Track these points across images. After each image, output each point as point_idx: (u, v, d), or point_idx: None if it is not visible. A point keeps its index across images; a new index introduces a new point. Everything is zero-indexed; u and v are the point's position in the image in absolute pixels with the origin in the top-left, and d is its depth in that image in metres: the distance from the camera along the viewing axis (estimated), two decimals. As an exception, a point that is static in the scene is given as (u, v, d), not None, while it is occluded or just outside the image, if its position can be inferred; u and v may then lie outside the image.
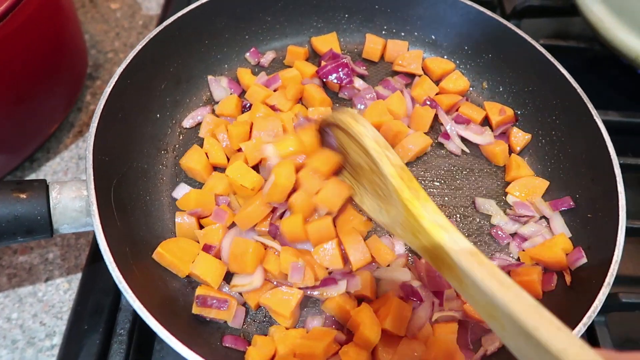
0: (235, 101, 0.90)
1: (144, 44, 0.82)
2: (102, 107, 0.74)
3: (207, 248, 0.75)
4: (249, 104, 0.92)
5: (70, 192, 0.67)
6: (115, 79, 0.77)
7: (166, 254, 0.72)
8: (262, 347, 0.67)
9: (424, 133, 0.89)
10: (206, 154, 0.84)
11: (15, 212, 0.64)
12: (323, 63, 0.96)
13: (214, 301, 0.69)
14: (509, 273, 0.76)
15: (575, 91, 0.84)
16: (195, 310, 0.70)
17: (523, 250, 0.79)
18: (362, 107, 0.93)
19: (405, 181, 0.60)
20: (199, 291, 0.71)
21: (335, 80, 0.93)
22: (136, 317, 0.75)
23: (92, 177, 0.67)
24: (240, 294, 0.73)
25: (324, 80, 0.94)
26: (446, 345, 0.66)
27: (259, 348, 0.67)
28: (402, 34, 1.02)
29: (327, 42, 0.99)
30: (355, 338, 0.67)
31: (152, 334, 0.78)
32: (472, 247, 0.51)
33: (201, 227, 0.78)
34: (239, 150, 0.82)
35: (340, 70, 0.93)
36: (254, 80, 0.95)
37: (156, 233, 0.77)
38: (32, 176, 0.95)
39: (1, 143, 0.86)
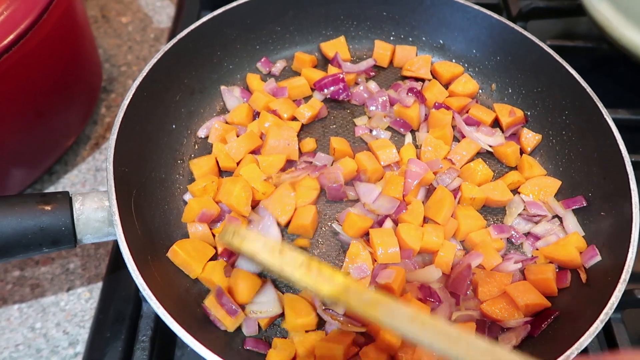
0: (246, 110, 0.92)
1: (158, 57, 0.84)
2: (120, 120, 0.76)
3: (225, 254, 0.76)
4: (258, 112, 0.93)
5: (93, 203, 0.69)
6: (132, 92, 0.79)
7: (181, 251, 0.73)
8: (282, 350, 0.68)
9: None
10: (216, 159, 0.86)
11: (41, 223, 0.66)
12: (331, 67, 0.98)
13: (228, 304, 0.70)
14: (524, 270, 0.77)
15: (584, 90, 0.85)
16: (208, 300, 0.70)
17: (537, 250, 0.80)
18: (374, 108, 0.94)
19: (316, 275, 0.53)
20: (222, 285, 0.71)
21: (329, 95, 0.95)
22: (157, 324, 0.76)
23: (113, 188, 0.69)
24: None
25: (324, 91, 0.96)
26: (464, 345, 0.66)
27: (279, 351, 0.68)
28: (410, 39, 1.04)
29: (335, 47, 1.01)
30: (377, 342, 0.67)
31: (174, 341, 0.80)
32: (408, 311, 0.49)
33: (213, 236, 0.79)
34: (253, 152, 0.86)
35: (335, 84, 0.94)
36: (262, 86, 0.96)
37: (175, 240, 0.78)
38: (51, 189, 0.98)
39: (21, 157, 0.89)
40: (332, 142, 0.89)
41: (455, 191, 0.82)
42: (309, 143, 0.90)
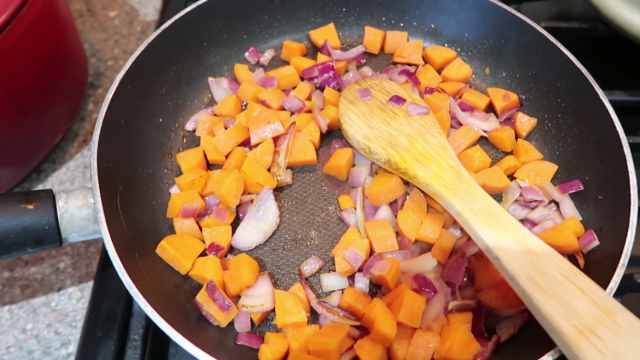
0: (234, 101, 0.90)
1: (142, 49, 0.82)
2: (103, 114, 0.74)
3: (213, 248, 0.75)
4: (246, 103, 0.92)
5: (77, 201, 0.68)
6: (116, 86, 0.77)
7: (169, 247, 0.72)
8: (275, 345, 0.66)
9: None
10: (204, 152, 0.84)
11: (24, 222, 0.64)
12: (320, 55, 0.96)
13: (220, 298, 0.68)
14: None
15: (580, 72, 0.83)
16: (200, 296, 0.69)
17: (535, 236, 0.78)
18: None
19: (395, 168, 0.73)
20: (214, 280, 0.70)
21: (319, 84, 0.93)
22: (149, 322, 0.75)
23: (97, 185, 0.67)
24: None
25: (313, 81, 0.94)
26: (461, 334, 0.65)
27: (272, 345, 0.66)
28: (401, 24, 1.01)
29: (324, 34, 0.99)
30: (371, 335, 0.66)
31: (166, 338, 0.78)
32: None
33: (201, 229, 0.78)
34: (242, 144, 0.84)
35: (325, 73, 0.92)
36: (250, 76, 0.94)
37: (164, 236, 0.77)
38: (40, 187, 0.96)
39: (7, 156, 0.87)
40: (325, 92, 0.91)
41: None
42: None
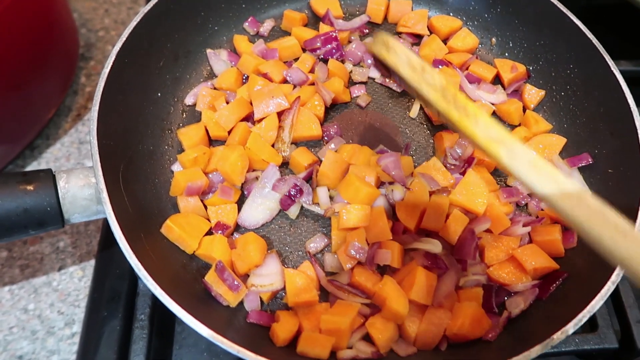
0: (234, 74, 0.87)
1: (137, 20, 0.79)
2: (101, 89, 0.71)
3: (219, 227, 0.73)
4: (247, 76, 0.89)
5: (78, 181, 0.65)
6: (112, 59, 0.74)
7: (175, 227, 0.70)
8: (287, 323, 0.66)
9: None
10: (205, 127, 0.81)
11: (24, 204, 0.62)
12: (322, 25, 0.93)
13: (230, 278, 0.67)
14: (529, 231, 0.74)
15: (590, 42, 0.81)
16: (209, 276, 0.68)
17: (542, 210, 0.78)
18: (371, 61, 0.91)
19: (451, 102, 0.56)
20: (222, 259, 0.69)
21: (322, 55, 0.90)
22: (155, 301, 0.74)
23: (99, 164, 0.65)
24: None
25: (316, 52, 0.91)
26: (472, 311, 0.65)
27: (283, 324, 0.66)
28: (405, -8, 0.98)
29: (326, 3, 0.95)
30: (383, 312, 0.66)
31: (173, 317, 0.77)
32: (530, 156, 0.51)
33: (206, 208, 0.76)
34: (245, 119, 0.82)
35: (328, 44, 0.89)
36: (250, 47, 0.91)
37: (169, 215, 0.75)
38: (34, 164, 0.93)
39: (-2, 132, 0.84)
40: (329, 64, 0.88)
41: (470, 158, 0.79)
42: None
